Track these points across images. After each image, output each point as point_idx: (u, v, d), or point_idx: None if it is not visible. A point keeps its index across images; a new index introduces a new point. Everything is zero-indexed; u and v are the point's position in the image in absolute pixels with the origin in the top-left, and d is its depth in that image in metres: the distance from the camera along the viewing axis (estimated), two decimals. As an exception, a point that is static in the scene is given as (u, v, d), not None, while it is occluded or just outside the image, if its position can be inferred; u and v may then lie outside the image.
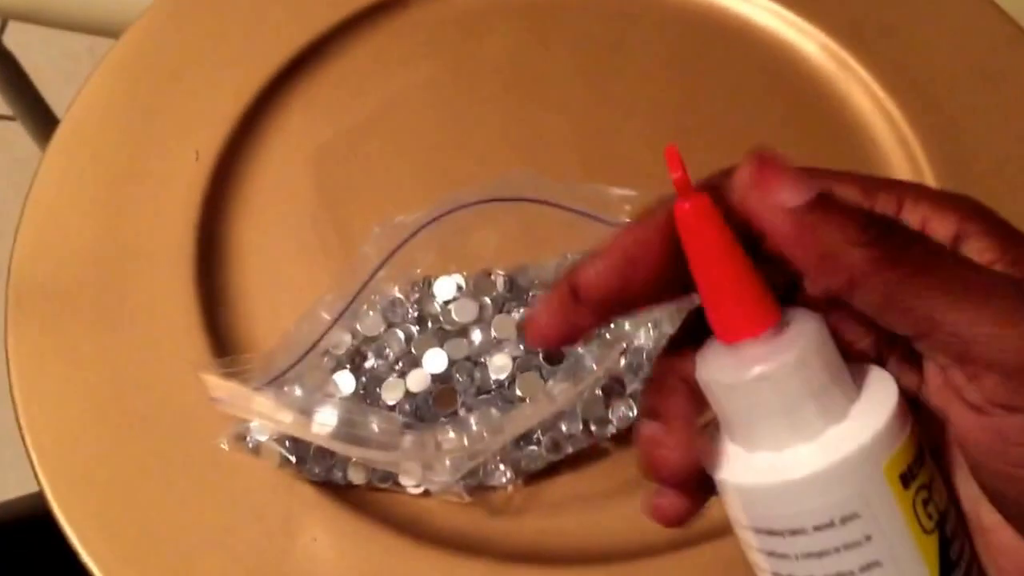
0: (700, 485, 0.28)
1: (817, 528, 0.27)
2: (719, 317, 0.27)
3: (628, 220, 0.45)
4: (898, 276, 0.25)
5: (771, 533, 0.27)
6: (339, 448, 0.43)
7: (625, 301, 0.27)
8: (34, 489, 0.47)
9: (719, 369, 0.27)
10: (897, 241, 0.25)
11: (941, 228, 0.27)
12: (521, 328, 0.48)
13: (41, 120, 1.19)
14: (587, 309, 0.27)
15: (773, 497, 0.27)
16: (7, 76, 1.10)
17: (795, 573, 0.27)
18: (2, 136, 1.52)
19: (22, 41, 1.09)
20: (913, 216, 0.27)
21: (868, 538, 0.27)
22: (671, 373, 0.28)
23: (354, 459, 0.44)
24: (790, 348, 0.27)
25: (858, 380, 0.28)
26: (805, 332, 0.27)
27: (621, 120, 0.56)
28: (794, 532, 0.27)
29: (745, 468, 0.27)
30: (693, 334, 0.28)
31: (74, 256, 0.52)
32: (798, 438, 0.27)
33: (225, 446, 0.45)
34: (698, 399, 0.27)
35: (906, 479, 0.27)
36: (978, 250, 0.26)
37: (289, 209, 0.54)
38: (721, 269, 0.26)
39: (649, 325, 0.46)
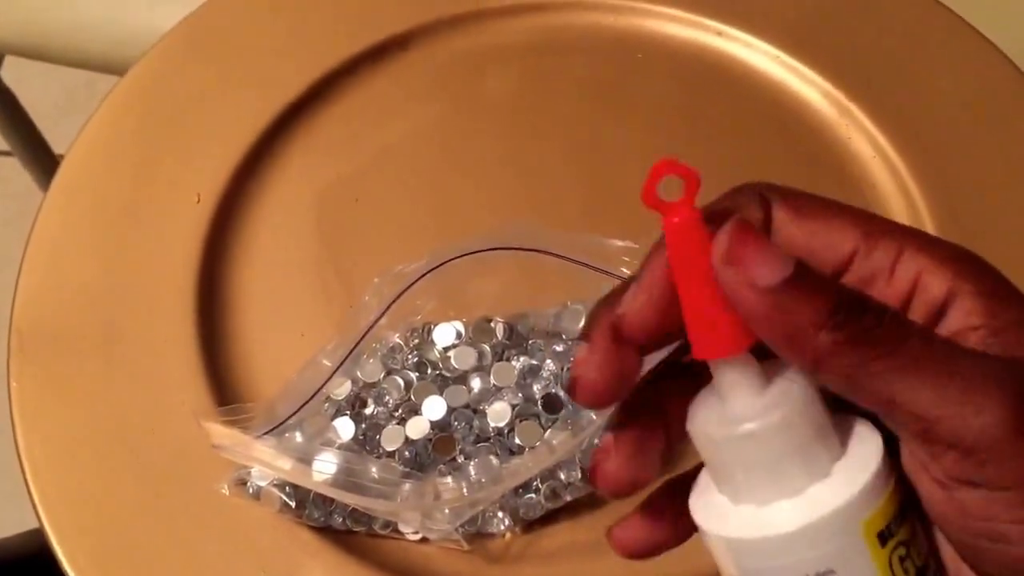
0: (661, 515, 0.29)
1: None
2: (696, 333, 0.27)
3: (628, 271, 0.46)
4: (860, 360, 0.25)
5: None
6: (338, 496, 0.42)
7: (665, 333, 0.27)
8: (33, 526, 0.47)
9: (708, 423, 0.28)
10: (865, 323, 0.25)
11: (934, 284, 0.27)
12: (521, 375, 0.48)
13: (38, 156, 1.20)
14: (631, 350, 0.27)
15: (755, 549, 0.28)
16: (4, 112, 1.10)
17: None
18: (6, 169, 1.52)
19: (19, 75, 1.09)
20: (909, 267, 0.27)
21: None
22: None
23: (353, 506, 0.44)
24: (777, 407, 0.27)
25: (843, 435, 0.28)
26: (792, 391, 0.27)
27: (622, 164, 0.56)
28: None
29: (730, 520, 0.28)
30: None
31: (76, 297, 0.52)
32: (781, 494, 0.28)
33: (226, 491, 0.45)
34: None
35: (883, 537, 0.27)
36: (965, 312, 0.26)
37: (290, 252, 0.54)
38: (700, 287, 0.26)
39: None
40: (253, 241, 0.54)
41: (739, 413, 0.27)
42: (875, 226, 0.28)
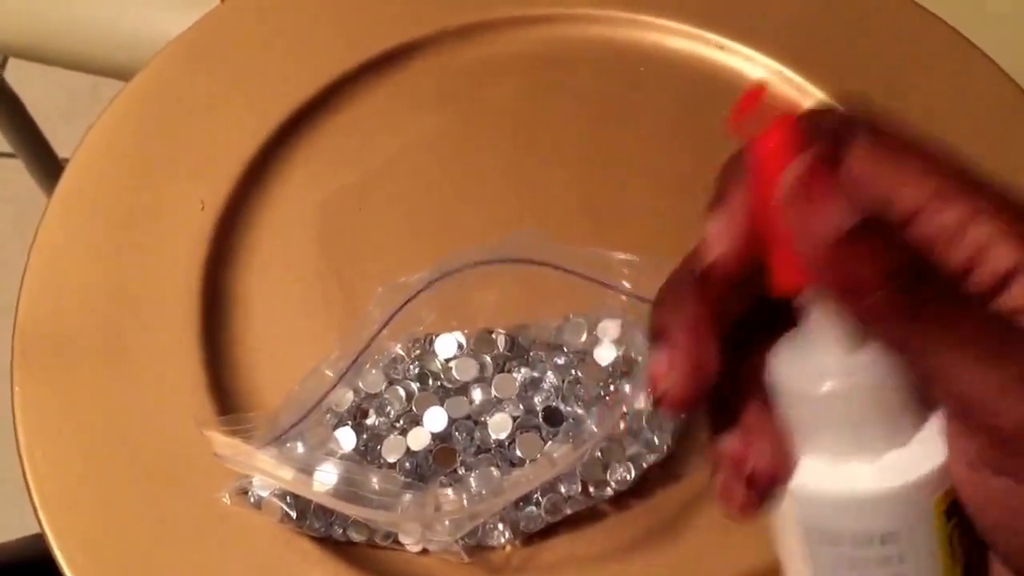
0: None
1: (857, 542, 0.28)
2: (782, 265, 0.26)
3: (628, 284, 0.46)
4: (911, 328, 0.25)
5: (811, 533, 0.29)
6: (339, 507, 0.43)
7: (750, 282, 0.27)
8: (35, 531, 0.47)
9: (792, 376, 0.28)
10: (923, 294, 0.25)
11: (1001, 254, 0.26)
12: (522, 387, 0.48)
13: (41, 158, 1.20)
14: (713, 342, 0.27)
15: (826, 504, 0.28)
16: (9, 114, 1.11)
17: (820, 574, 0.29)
18: (2, 173, 1.53)
19: (24, 77, 1.10)
20: (979, 232, 0.26)
21: (901, 559, 0.28)
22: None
23: (353, 518, 0.44)
24: (868, 368, 0.27)
25: (925, 411, 0.28)
26: (884, 354, 0.27)
27: (626, 175, 0.57)
28: (833, 540, 0.28)
29: (803, 471, 0.28)
30: None
31: (80, 303, 0.52)
32: (860, 455, 0.28)
33: (227, 500, 0.46)
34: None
35: (949, 513, 0.28)
36: (1022, 293, 0.26)
37: (293, 261, 0.54)
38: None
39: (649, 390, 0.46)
40: (256, 249, 0.54)
41: (829, 367, 0.27)
42: (951, 183, 0.27)
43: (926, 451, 0.27)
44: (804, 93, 0.59)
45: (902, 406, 0.27)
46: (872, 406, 0.27)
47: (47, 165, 1.20)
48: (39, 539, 0.47)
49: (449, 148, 0.58)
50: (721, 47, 0.61)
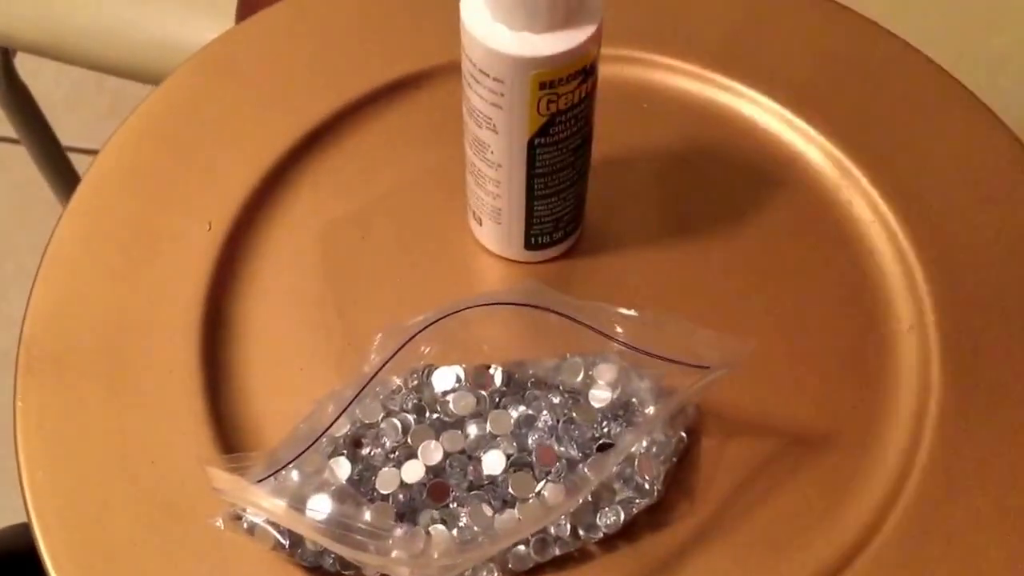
0: None
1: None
2: None
3: (621, 330, 0.47)
4: None
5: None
6: (329, 545, 0.43)
7: None
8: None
9: None
10: None
11: None
12: (517, 424, 0.49)
13: (45, 146, 1.20)
14: None
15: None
16: (17, 104, 1.11)
17: None
18: (4, 157, 1.53)
19: (32, 66, 1.10)
20: None
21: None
22: None
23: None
24: None
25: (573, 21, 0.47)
26: None
27: (622, 211, 0.57)
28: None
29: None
30: None
31: (86, 320, 0.53)
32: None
33: (221, 525, 0.46)
34: None
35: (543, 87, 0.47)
36: None
37: (295, 286, 0.55)
38: None
39: (644, 438, 0.47)
40: (259, 272, 0.55)
41: None
42: None
43: (541, 41, 0.45)
44: (809, 139, 0.60)
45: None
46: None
47: (51, 153, 1.21)
48: (23, 530, 0.47)
49: (453, 177, 0.58)
50: (727, 89, 0.62)
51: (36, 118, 1.15)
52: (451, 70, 0.61)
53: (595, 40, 0.47)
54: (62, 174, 1.23)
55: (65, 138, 1.24)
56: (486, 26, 0.46)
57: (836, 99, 0.61)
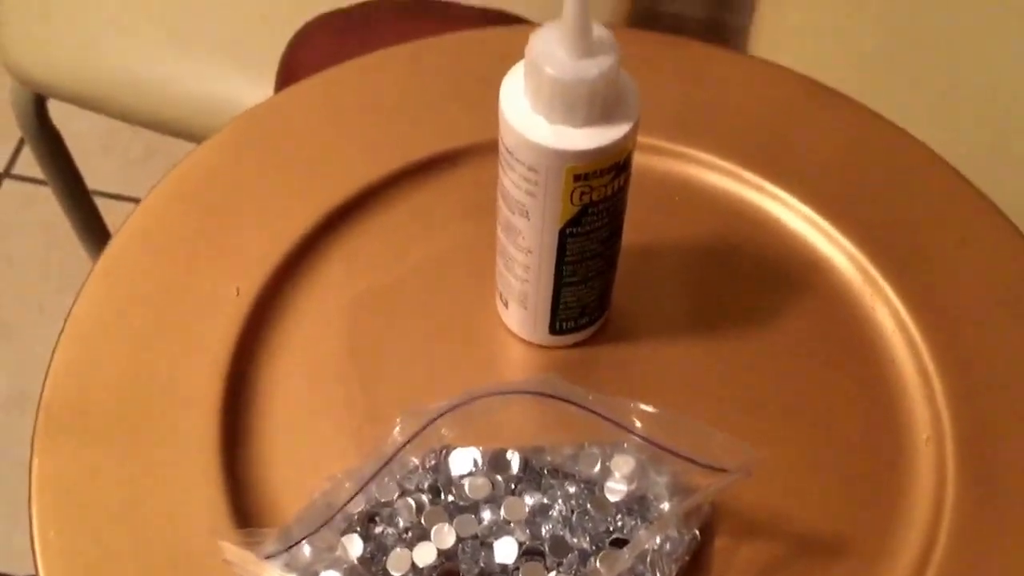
0: None
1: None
2: None
3: (639, 423, 0.47)
4: None
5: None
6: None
7: None
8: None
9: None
10: None
11: None
12: (532, 512, 0.49)
13: (73, 190, 1.21)
14: None
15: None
16: (47, 146, 1.12)
17: None
18: (31, 197, 1.54)
19: (69, 109, 1.11)
20: None
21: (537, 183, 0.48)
22: None
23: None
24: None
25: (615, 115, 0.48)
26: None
27: (650, 303, 0.58)
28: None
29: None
30: None
31: (108, 382, 0.53)
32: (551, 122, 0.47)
33: (229, 595, 0.46)
34: None
35: (577, 178, 0.48)
36: None
37: (319, 358, 0.55)
38: None
39: (658, 535, 0.47)
40: (285, 341, 0.55)
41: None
42: None
43: (578, 135, 0.46)
44: (835, 243, 0.60)
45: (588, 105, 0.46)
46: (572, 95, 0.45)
47: (77, 197, 1.22)
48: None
49: (483, 260, 0.59)
50: (758, 187, 0.62)
51: (66, 162, 1.16)
52: (487, 149, 0.62)
53: (631, 137, 0.48)
54: (87, 218, 1.24)
55: (96, 182, 1.25)
56: (524, 116, 0.47)
57: (864, 204, 0.62)
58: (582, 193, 0.48)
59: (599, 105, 0.46)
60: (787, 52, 0.96)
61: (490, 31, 0.69)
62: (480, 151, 0.62)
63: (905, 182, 0.63)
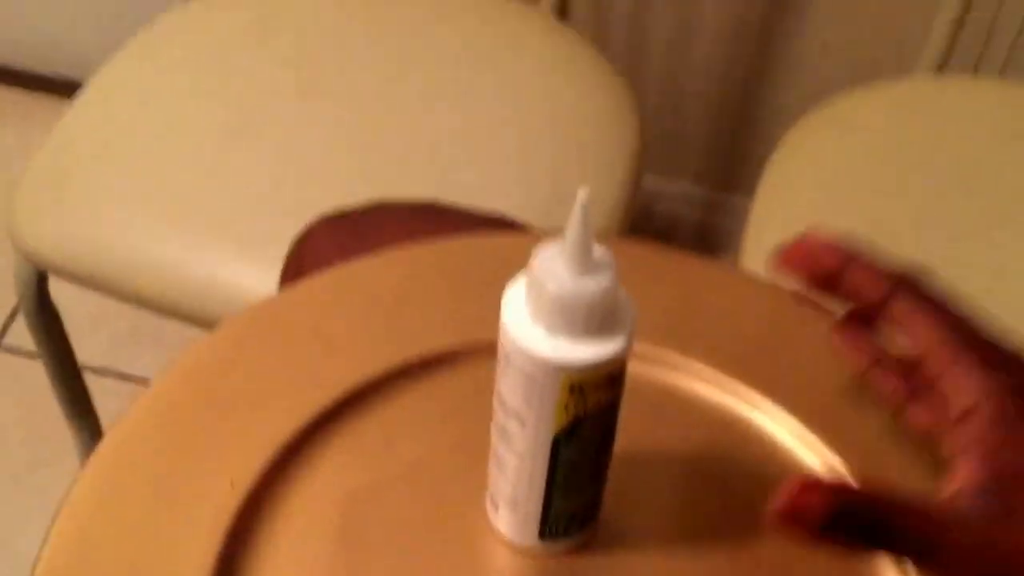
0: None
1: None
2: None
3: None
4: None
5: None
6: None
7: None
8: None
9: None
10: None
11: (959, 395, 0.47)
12: None
13: (63, 364, 1.22)
14: None
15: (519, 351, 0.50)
16: (44, 322, 1.14)
17: None
18: (20, 371, 1.55)
19: (56, 282, 1.12)
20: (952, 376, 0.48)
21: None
22: None
23: None
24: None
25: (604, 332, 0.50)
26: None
27: (640, 510, 0.58)
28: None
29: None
30: None
31: (97, 570, 0.53)
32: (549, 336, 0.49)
33: None
34: None
35: (572, 389, 0.49)
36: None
37: (310, 555, 0.55)
38: None
39: None
40: (276, 535, 0.55)
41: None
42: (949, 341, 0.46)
43: (575, 348, 0.48)
44: (823, 457, 0.61)
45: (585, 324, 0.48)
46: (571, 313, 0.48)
47: (67, 372, 1.23)
48: None
49: (475, 460, 0.59)
50: (749, 400, 0.63)
51: (59, 337, 1.17)
52: (486, 351, 0.63)
53: (626, 350, 0.49)
54: (75, 393, 1.24)
55: (83, 356, 1.26)
56: (524, 326, 0.49)
57: (853, 421, 0.63)
58: (577, 404, 0.50)
59: (597, 320, 0.48)
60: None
61: (494, 237, 0.72)
62: (479, 352, 0.63)
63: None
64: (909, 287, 0.48)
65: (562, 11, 1.24)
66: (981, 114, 1.15)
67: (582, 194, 0.46)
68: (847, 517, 0.44)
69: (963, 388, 0.46)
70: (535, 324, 0.49)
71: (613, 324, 0.49)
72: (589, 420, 0.51)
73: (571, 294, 0.47)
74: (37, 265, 1.04)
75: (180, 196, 1.01)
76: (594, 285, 0.47)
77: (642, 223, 1.69)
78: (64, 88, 1.72)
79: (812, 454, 0.61)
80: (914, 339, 0.47)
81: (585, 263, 0.47)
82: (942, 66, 1.17)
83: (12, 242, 1.03)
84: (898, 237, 1.03)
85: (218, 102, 1.10)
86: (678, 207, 1.67)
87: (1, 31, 1.78)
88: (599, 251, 0.48)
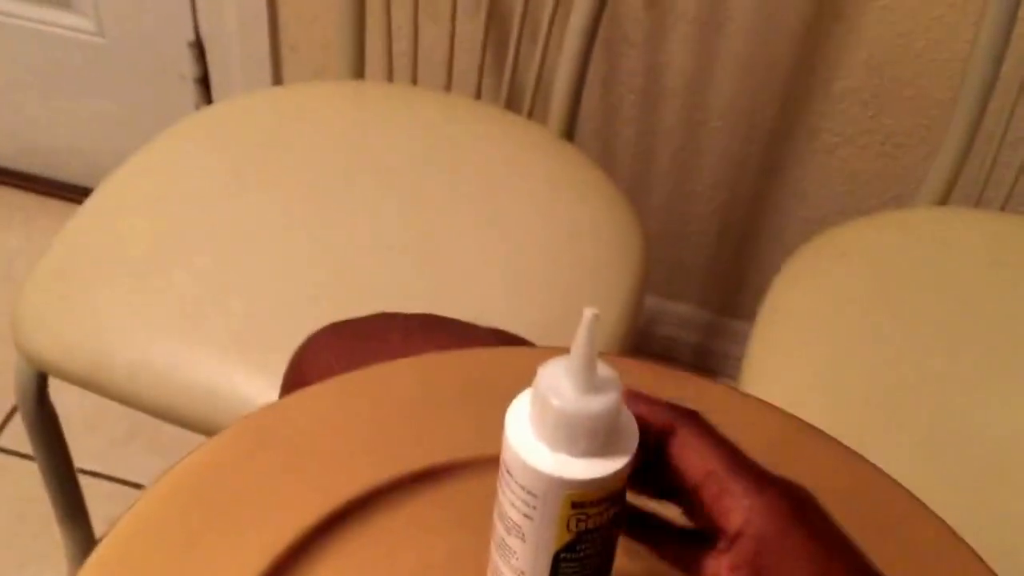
0: None
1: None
2: None
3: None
4: None
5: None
6: None
7: None
8: None
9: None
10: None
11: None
12: None
13: (58, 466, 1.21)
14: None
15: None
16: (42, 424, 1.13)
17: None
18: (14, 472, 1.53)
19: (54, 384, 1.12)
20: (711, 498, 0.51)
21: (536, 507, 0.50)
22: None
23: None
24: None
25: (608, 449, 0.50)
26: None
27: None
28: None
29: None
30: None
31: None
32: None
33: None
34: None
35: (574, 505, 0.49)
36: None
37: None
38: None
39: None
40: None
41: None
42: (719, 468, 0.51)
43: (578, 465, 0.48)
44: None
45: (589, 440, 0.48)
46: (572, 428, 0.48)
47: (62, 474, 1.22)
48: None
49: (469, 572, 0.59)
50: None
51: (57, 440, 1.17)
52: (487, 464, 0.63)
53: (628, 468, 0.49)
54: (69, 496, 1.23)
55: (78, 459, 1.25)
56: (527, 442, 0.49)
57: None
58: (578, 520, 0.50)
59: (600, 438, 0.48)
60: (776, 385, 1.00)
61: (497, 351, 0.72)
62: (480, 465, 0.63)
63: (892, 532, 0.64)
64: (688, 420, 0.51)
65: (568, 132, 1.26)
66: (982, 245, 1.17)
67: (588, 313, 0.47)
68: None
69: (733, 511, 0.49)
70: (538, 439, 0.49)
71: (616, 442, 0.49)
72: (591, 537, 0.50)
73: (575, 410, 0.48)
74: (38, 366, 1.04)
75: (183, 304, 1.02)
76: (598, 404, 0.48)
77: (642, 344, 1.69)
78: (72, 193, 1.74)
79: None
80: (690, 470, 0.50)
81: (590, 381, 0.48)
82: (943, 201, 1.19)
83: (15, 343, 1.03)
84: (898, 362, 1.03)
85: (227, 211, 1.11)
86: (678, 330, 1.68)
87: (13, 136, 1.81)
88: (604, 370, 0.48)
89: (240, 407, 0.93)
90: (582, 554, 0.51)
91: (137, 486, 1.47)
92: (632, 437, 0.50)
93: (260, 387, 0.95)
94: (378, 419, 0.66)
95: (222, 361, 0.98)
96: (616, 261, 1.12)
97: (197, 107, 1.64)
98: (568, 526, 0.50)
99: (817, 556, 0.49)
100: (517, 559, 0.52)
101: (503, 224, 1.14)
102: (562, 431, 0.48)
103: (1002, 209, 1.19)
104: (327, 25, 1.48)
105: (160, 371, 0.97)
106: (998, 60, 1.10)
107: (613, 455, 0.49)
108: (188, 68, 1.62)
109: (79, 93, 1.72)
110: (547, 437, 0.48)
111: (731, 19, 1.36)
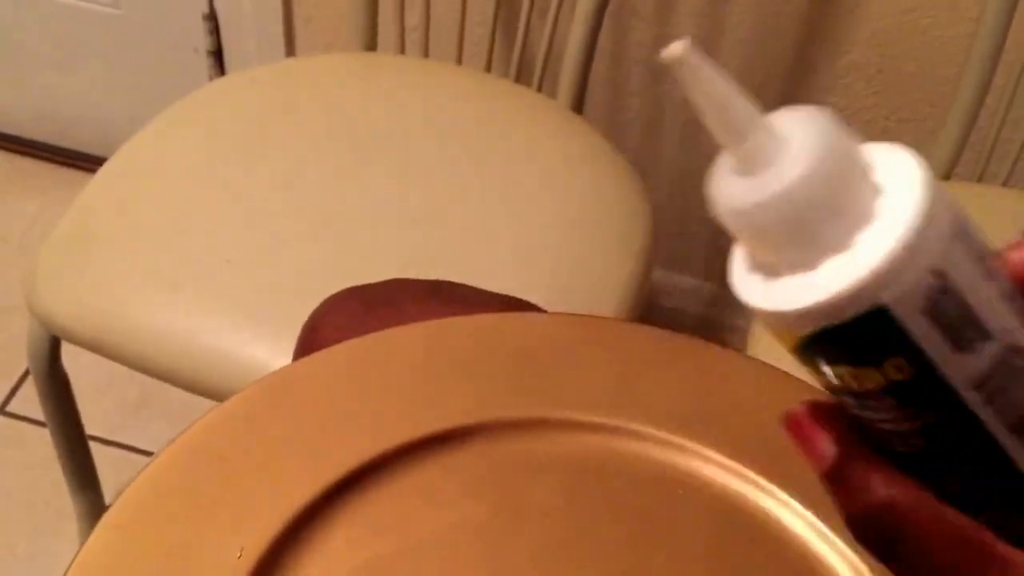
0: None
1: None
2: None
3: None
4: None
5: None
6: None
7: None
8: None
9: (732, 197, 0.32)
10: None
11: None
12: None
13: (69, 432, 1.22)
14: None
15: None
16: (54, 388, 1.14)
17: None
18: (20, 436, 1.55)
19: (73, 349, 1.13)
20: None
21: None
22: None
23: None
24: (796, 163, 0.30)
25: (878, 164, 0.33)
26: (810, 139, 0.31)
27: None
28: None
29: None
30: None
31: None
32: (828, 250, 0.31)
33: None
34: None
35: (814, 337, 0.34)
36: None
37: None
38: None
39: None
40: (285, 608, 0.55)
41: (762, 180, 0.31)
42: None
43: (817, 282, 0.32)
44: (835, 548, 0.61)
45: (847, 185, 0.31)
46: (815, 197, 0.31)
47: (73, 440, 1.23)
48: None
49: (483, 535, 0.60)
50: (759, 486, 0.64)
51: (68, 405, 1.18)
52: (498, 428, 0.64)
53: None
54: (80, 461, 1.24)
55: (90, 425, 1.26)
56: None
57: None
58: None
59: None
60: (784, 360, 1.00)
61: (508, 316, 0.72)
62: (490, 430, 0.64)
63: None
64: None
65: (577, 105, 1.26)
66: (984, 221, 1.17)
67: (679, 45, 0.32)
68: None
69: None
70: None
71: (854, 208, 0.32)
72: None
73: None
74: (51, 330, 1.04)
75: (196, 269, 1.03)
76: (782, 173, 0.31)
77: (647, 316, 1.70)
78: (87, 163, 1.74)
79: (825, 545, 0.62)
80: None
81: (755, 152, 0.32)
82: (947, 176, 1.19)
83: (28, 307, 1.04)
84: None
85: (240, 179, 1.12)
86: (683, 301, 1.68)
87: (30, 106, 1.81)
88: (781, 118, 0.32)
89: (252, 372, 0.94)
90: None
91: (147, 453, 1.48)
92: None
93: (273, 353, 0.96)
94: (389, 383, 0.66)
95: (235, 326, 0.98)
96: (624, 231, 1.13)
97: (211, 79, 1.64)
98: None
99: None
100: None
101: (513, 195, 1.14)
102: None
103: (1004, 184, 1.19)
104: (339, -3, 1.48)
105: (172, 335, 0.98)
106: (1003, 37, 1.10)
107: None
108: (202, 41, 1.62)
109: (94, 65, 1.72)
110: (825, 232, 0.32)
111: (739, -8, 1.36)
